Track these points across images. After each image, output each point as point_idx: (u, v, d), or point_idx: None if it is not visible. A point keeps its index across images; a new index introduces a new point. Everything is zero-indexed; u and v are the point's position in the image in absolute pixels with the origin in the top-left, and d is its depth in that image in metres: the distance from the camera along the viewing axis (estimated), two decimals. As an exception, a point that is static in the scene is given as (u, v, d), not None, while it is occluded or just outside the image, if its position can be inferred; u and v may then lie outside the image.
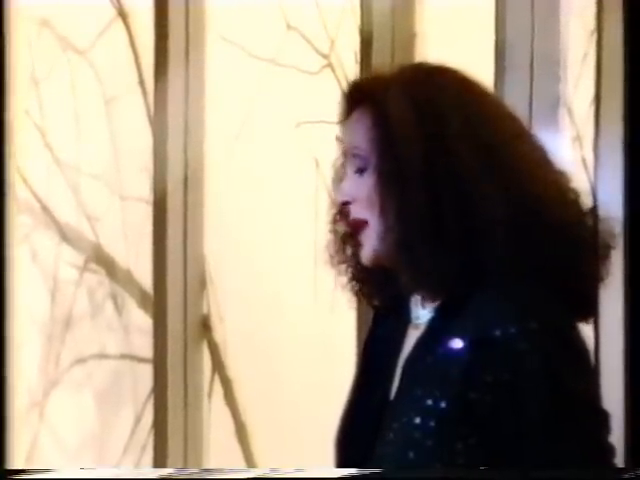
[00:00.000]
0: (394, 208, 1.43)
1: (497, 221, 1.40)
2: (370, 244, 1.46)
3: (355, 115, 1.48)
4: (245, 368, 2.39)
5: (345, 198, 1.46)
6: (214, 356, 2.40)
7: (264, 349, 2.38)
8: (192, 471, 1.52)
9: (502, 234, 1.40)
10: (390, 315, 1.53)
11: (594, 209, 1.46)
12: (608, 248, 1.46)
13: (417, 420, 1.42)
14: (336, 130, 1.52)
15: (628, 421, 2.17)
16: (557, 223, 1.42)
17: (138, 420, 2.40)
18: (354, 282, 1.52)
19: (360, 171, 1.47)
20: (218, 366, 2.40)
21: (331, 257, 1.52)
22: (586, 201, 1.46)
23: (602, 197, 2.33)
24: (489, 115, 1.47)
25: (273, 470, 1.46)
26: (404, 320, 1.50)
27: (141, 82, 2.43)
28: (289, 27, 2.41)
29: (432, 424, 1.41)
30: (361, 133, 1.47)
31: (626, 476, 1.46)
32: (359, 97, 1.48)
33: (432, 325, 1.46)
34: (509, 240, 1.41)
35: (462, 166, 1.42)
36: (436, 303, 1.46)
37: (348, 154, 1.48)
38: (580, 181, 2.48)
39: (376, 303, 1.54)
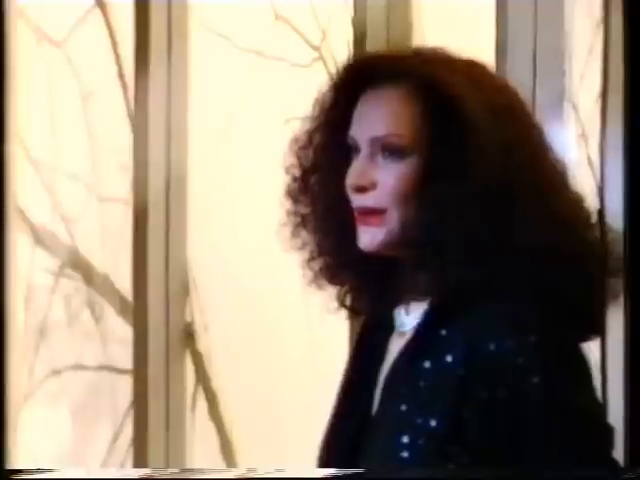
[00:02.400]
0: (434, 202, 1.41)
1: (527, 243, 1.40)
2: (381, 234, 1.43)
3: (377, 96, 1.44)
4: (231, 380, 2.38)
5: (363, 183, 1.42)
6: (198, 367, 2.39)
7: (251, 360, 2.38)
8: (173, 471, 1.49)
9: (524, 254, 1.40)
10: (375, 321, 1.50)
11: (605, 230, 1.46)
12: (617, 270, 1.45)
13: (405, 439, 1.40)
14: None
15: (628, 421, 2.13)
16: (574, 247, 1.42)
17: (117, 436, 2.39)
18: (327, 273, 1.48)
19: (392, 156, 1.43)
20: (202, 378, 2.40)
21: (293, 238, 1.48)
22: (596, 220, 1.46)
23: (609, 197, 2.30)
24: (528, 130, 1.48)
25: (250, 470, 1.45)
26: (388, 327, 1.48)
27: (120, 76, 2.44)
28: (277, 17, 2.40)
29: (421, 443, 1.39)
30: (401, 118, 1.43)
31: (626, 476, 1.46)
32: (378, 76, 1.44)
33: (419, 334, 1.45)
34: (523, 259, 1.40)
35: (513, 181, 1.42)
36: (423, 310, 1.45)
37: (365, 140, 1.43)
38: (585, 181, 2.44)
39: (351, 301, 1.50)
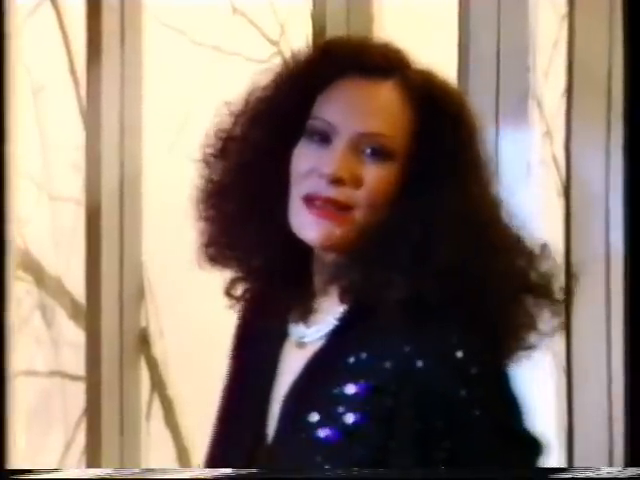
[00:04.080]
0: (412, 206, 1.39)
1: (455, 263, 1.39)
2: (339, 230, 1.38)
3: (367, 89, 1.41)
4: (187, 387, 2.37)
5: (343, 175, 1.38)
6: (153, 373, 2.39)
7: (207, 366, 2.33)
8: (134, 471, 1.50)
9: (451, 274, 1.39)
10: (263, 325, 1.47)
11: (541, 258, 1.44)
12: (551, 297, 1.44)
13: (319, 459, 1.36)
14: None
15: (628, 421, 2.19)
16: (501, 274, 1.41)
17: (69, 444, 2.38)
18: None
19: (376, 156, 1.39)
20: (158, 384, 2.39)
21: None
22: (532, 250, 1.44)
23: (574, 196, 2.31)
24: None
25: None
26: (278, 334, 1.44)
27: (72, 70, 2.42)
28: (235, 11, 2.40)
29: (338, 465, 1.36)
30: (394, 119, 1.39)
31: (563, 476, 1.45)
32: (366, 65, 1.40)
33: (330, 348, 1.41)
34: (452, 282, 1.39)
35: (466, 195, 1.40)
36: (330, 324, 1.41)
37: (348, 132, 1.39)
38: (551, 179, 2.45)
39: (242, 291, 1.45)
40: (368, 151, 1.39)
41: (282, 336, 1.44)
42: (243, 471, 1.39)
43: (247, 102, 1.43)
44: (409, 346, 1.37)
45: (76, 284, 2.36)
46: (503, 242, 1.41)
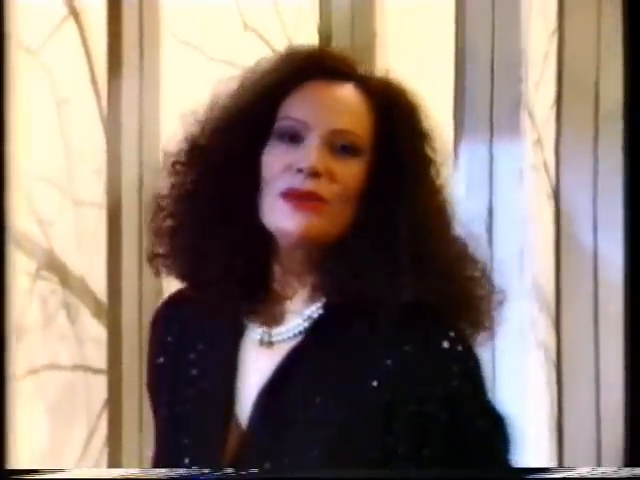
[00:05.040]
0: (381, 203, 1.40)
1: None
2: (318, 221, 1.39)
3: (336, 90, 1.43)
4: None
5: (320, 169, 1.40)
6: None
7: None
8: (134, 471, 1.51)
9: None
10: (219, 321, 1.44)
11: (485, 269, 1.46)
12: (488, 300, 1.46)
13: (315, 453, 1.36)
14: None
15: (628, 421, 2.22)
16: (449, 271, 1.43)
17: (92, 433, 2.39)
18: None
19: (345, 151, 1.42)
20: None
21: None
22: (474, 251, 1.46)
23: (563, 201, 2.39)
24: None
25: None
26: (235, 330, 1.42)
27: (94, 83, 2.45)
28: (246, 27, 2.45)
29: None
30: (361, 117, 1.42)
31: (550, 476, 1.46)
32: (327, 70, 1.44)
33: (307, 346, 1.40)
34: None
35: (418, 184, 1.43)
36: (301, 323, 1.41)
37: (322, 130, 1.41)
38: (542, 184, 2.55)
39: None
40: (339, 147, 1.41)
41: (237, 336, 1.42)
42: (244, 472, 1.37)
43: (212, 110, 1.44)
44: (390, 342, 1.38)
45: (98, 283, 2.38)
46: (451, 245, 1.43)
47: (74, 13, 2.44)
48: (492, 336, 1.46)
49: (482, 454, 1.40)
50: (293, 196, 1.40)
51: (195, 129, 1.45)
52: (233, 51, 2.39)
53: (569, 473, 1.45)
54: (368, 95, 1.44)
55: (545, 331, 2.34)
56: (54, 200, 2.41)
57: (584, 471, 1.44)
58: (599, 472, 1.45)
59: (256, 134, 1.43)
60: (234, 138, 1.43)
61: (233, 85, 1.46)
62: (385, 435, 1.37)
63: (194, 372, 1.44)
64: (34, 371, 2.37)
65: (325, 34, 2.38)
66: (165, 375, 1.46)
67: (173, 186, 1.44)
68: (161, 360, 1.46)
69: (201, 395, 1.43)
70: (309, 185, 1.40)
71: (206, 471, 1.39)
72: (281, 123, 1.43)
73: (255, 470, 1.37)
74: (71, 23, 2.44)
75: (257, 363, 1.42)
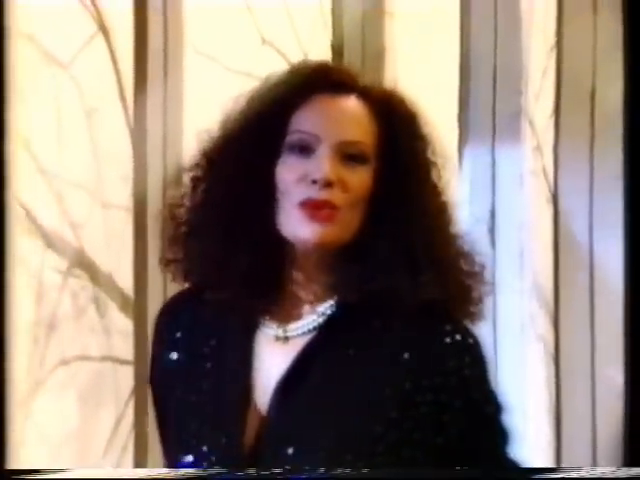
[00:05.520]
0: (387, 207, 1.45)
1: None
2: (331, 229, 1.45)
3: (342, 104, 1.47)
4: None
5: (332, 178, 1.45)
6: None
7: None
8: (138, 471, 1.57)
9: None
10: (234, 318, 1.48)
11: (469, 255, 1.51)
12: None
13: (332, 437, 1.41)
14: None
15: (628, 421, 2.27)
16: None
17: (119, 420, 2.45)
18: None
19: (353, 160, 1.47)
20: None
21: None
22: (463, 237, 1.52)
23: (563, 204, 2.48)
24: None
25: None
26: (248, 326, 1.46)
27: (121, 94, 2.51)
28: (264, 41, 2.58)
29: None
30: (366, 128, 1.47)
31: (552, 476, 1.47)
32: (332, 84, 1.48)
33: (322, 341, 1.45)
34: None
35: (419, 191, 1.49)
36: (316, 319, 1.46)
37: (331, 141, 1.46)
38: (541, 188, 2.64)
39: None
40: (348, 156, 1.47)
41: (252, 332, 1.47)
42: (250, 470, 1.40)
43: (225, 126, 1.49)
44: (404, 336, 1.43)
45: (125, 280, 2.45)
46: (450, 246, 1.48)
47: (103, 30, 2.49)
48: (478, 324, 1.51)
49: (487, 439, 1.45)
50: (310, 206, 1.45)
51: (209, 144, 1.50)
52: (251, 64, 2.48)
53: (568, 474, 1.47)
54: (370, 105, 1.49)
55: (544, 326, 2.42)
56: (84, 203, 2.46)
57: (582, 472, 1.45)
58: (598, 472, 1.47)
59: (269, 147, 1.48)
60: (247, 151, 1.48)
61: (244, 101, 1.51)
62: (403, 422, 1.42)
63: (208, 365, 1.49)
64: (65, 362, 2.41)
65: (338, 48, 2.49)
66: (179, 370, 1.50)
67: (189, 196, 1.50)
68: (174, 356, 1.51)
69: (218, 385, 1.47)
70: (324, 195, 1.45)
71: (223, 471, 1.43)
72: (292, 136, 1.48)
73: (274, 456, 1.42)
74: (100, 39, 2.49)
75: (273, 356, 1.47)
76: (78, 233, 2.45)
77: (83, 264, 2.46)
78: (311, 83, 1.50)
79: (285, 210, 1.48)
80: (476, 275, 1.50)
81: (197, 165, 1.51)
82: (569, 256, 2.41)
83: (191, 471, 1.44)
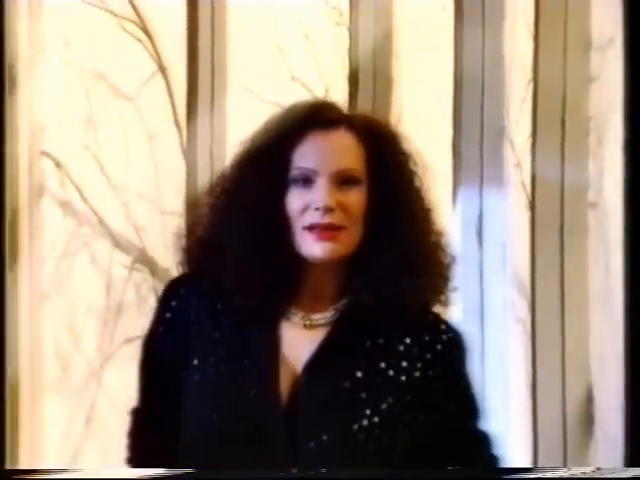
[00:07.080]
0: (382, 218, 1.59)
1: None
2: (337, 246, 1.58)
3: (332, 137, 1.59)
4: None
5: (332, 205, 1.58)
6: None
7: None
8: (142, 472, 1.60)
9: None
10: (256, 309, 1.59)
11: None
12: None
13: (365, 423, 1.55)
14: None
15: (628, 421, 2.38)
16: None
17: None
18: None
19: (348, 184, 1.61)
20: None
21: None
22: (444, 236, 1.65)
23: (538, 211, 2.66)
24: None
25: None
26: (271, 315, 1.58)
27: (176, 121, 2.73)
28: (293, 78, 2.77)
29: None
30: (356, 156, 1.59)
31: (532, 476, 1.55)
32: (322, 121, 1.60)
33: (341, 328, 1.57)
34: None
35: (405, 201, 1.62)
36: (334, 312, 1.60)
37: (327, 172, 1.58)
38: (520, 199, 2.79)
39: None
40: (343, 181, 1.60)
41: (278, 320, 1.59)
42: (254, 470, 1.52)
43: (238, 163, 1.63)
44: (409, 329, 1.58)
45: None
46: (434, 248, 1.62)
47: (162, 68, 2.72)
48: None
49: (468, 415, 1.61)
50: (317, 229, 1.59)
51: (225, 177, 1.66)
52: (282, 96, 2.62)
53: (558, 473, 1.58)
54: (356, 133, 1.62)
55: (522, 311, 2.59)
56: (145, 210, 2.69)
57: (579, 471, 1.57)
58: (578, 472, 1.57)
59: (277, 181, 1.61)
60: (257, 185, 1.62)
61: (250, 140, 1.66)
62: (405, 394, 1.58)
63: (219, 334, 1.60)
64: (130, 340, 2.64)
65: (354, 82, 2.72)
66: (195, 344, 1.62)
67: (208, 217, 1.64)
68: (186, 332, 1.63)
69: (248, 354, 1.59)
70: (327, 219, 1.59)
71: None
72: (294, 172, 1.61)
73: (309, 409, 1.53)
74: (159, 76, 2.73)
75: (300, 340, 1.61)
76: (140, 235, 2.71)
77: (144, 260, 2.69)
78: (306, 122, 1.63)
79: (297, 233, 1.62)
80: (449, 266, 1.65)
81: (214, 192, 1.66)
82: (543, 253, 2.52)
83: (192, 471, 1.53)
